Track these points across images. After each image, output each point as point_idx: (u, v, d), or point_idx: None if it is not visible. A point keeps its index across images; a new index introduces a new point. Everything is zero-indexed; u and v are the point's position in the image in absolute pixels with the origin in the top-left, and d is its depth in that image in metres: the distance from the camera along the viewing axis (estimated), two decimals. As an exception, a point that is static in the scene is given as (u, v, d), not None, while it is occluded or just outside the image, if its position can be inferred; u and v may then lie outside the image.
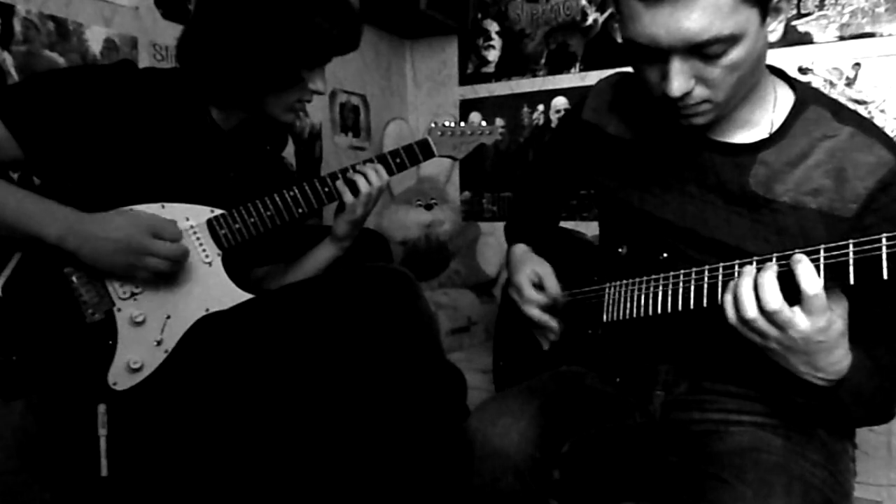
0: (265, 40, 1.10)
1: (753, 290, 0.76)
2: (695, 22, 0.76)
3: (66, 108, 1.06)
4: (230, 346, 1.12)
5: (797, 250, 0.75)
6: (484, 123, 1.33)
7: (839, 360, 0.78)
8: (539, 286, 1.18)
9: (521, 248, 1.27)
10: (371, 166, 1.23)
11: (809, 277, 0.72)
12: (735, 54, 0.79)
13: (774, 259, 0.77)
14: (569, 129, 1.19)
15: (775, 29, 0.84)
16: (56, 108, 1.06)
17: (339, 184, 1.21)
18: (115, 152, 1.10)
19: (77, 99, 1.07)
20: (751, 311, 0.76)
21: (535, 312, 1.17)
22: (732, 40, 0.78)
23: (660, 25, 0.78)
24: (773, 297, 0.74)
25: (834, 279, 0.72)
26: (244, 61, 1.11)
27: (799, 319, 0.73)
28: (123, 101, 1.10)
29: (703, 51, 0.79)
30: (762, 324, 0.76)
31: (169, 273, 1.09)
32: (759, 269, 0.77)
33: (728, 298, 0.79)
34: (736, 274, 0.82)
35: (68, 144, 1.07)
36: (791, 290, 0.73)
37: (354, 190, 1.21)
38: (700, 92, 0.83)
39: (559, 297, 1.16)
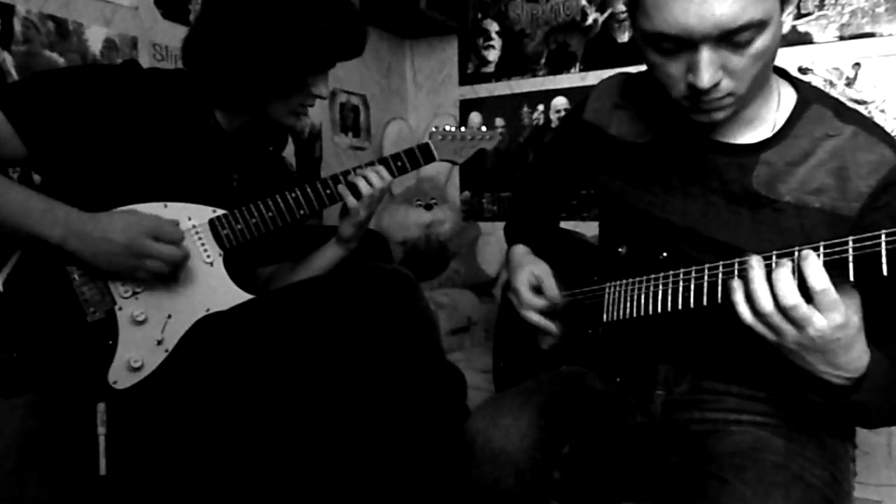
0: (271, 45, 1.10)
1: (768, 285, 0.75)
2: (729, 7, 0.76)
3: (71, 105, 1.06)
4: (230, 345, 1.12)
5: (798, 247, 0.74)
6: (484, 128, 1.36)
7: (858, 356, 0.77)
8: (538, 289, 1.18)
9: (520, 250, 1.26)
10: (373, 168, 1.23)
11: (817, 273, 0.71)
12: (761, 42, 0.80)
13: (774, 256, 0.77)
14: (570, 130, 1.19)
15: (785, 21, 0.85)
16: (61, 105, 1.06)
17: (342, 187, 1.21)
18: (118, 151, 1.10)
19: (82, 97, 1.07)
20: (767, 305, 0.74)
21: (534, 317, 1.17)
22: (761, 26, 0.78)
23: (692, 14, 0.77)
24: (790, 293, 0.72)
25: (833, 276, 0.71)
26: (249, 66, 1.12)
27: (817, 318, 0.72)
28: (128, 100, 1.11)
29: (734, 38, 0.78)
30: (777, 319, 0.74)
31: (169, 274, 1.09)
32: (768, 266, 0.76)
33: (739, 296, 0.77)
34: (736, 272, 0.82)
35: (72, 142, 1.07)
36: (800, 288, 0.73)
37: (356, 193, 1.22)
38: (726, 84, 0.83)
39: (558, 300, 1.16)
